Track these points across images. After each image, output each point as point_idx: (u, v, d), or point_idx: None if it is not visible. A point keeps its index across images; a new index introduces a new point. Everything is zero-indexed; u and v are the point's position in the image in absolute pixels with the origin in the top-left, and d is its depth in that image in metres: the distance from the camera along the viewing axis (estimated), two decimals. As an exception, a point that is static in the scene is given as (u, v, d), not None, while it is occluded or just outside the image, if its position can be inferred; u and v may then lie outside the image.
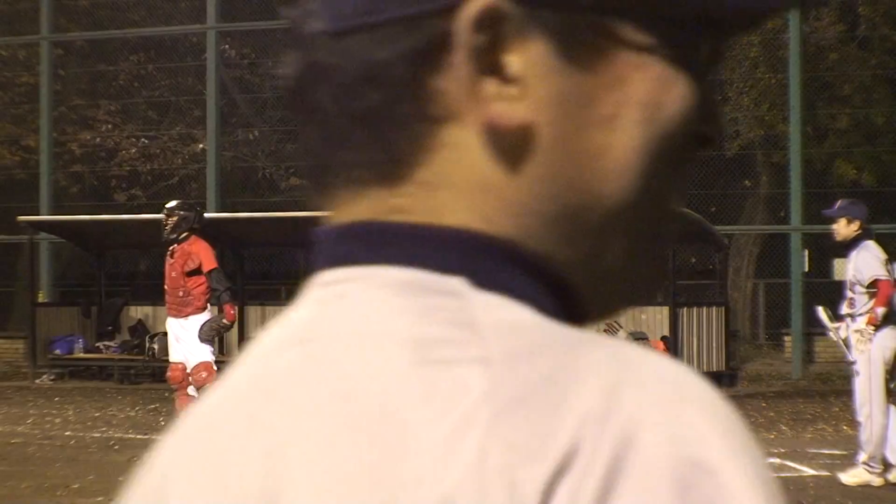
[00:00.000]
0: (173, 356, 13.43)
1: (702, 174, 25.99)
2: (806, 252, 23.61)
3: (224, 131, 27.75)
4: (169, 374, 13.52)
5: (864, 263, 11.06)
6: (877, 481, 11.07)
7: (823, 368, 23.58)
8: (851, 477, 11.19)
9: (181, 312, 13.16)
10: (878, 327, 11.07)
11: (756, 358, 25.41)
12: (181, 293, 13.11)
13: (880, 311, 10.99)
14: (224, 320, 13.21)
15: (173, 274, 13.14)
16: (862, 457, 11.20)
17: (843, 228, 11.26)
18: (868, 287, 11.03)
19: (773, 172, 27.50)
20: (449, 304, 0.84)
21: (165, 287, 13.33)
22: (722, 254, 23.10)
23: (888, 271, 11.09)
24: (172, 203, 13.54)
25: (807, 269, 23.54)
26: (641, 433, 0.77)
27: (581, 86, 0.88)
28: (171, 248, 13.31)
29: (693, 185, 25.63)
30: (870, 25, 26.00)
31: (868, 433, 11.13)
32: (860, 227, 11.21)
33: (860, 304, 11.14)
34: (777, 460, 12.66)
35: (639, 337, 21.55)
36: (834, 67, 26.11)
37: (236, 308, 13.84)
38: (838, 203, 11.43)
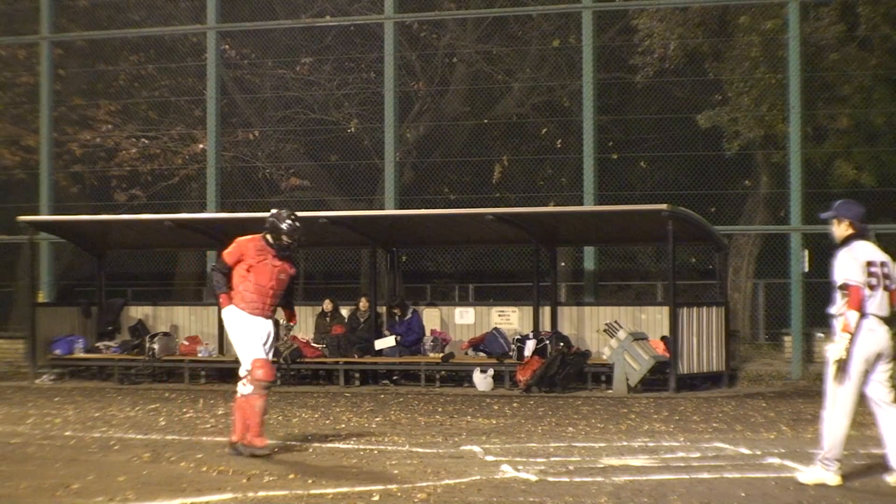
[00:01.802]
0: (263, 354, 13.33)
1: (702, 174, 25.97)
2: (806, 252, 23.60)
3: (224, 131, 27.74)
4: (266, 371, 13.21)
5: (838, 264, 11.09)
6: (833, 480, 11.03)
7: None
8: (809, 476, 11.14)
9: (274, 312, 13.48)
10: (853, 334, 11.01)
11: (756, 358, 25.39)
12: (280, 293, 13.45)
13: (852, 315, 10.91)
14: (291, 323, 13.89)
15: (282, 276, 13.40)
16: (819, 454, 11.16)
17: (834, 229, 11.33)
18: (840, 288, 11.03)
19: (773, 172, 27.48)
20: None
21: (268, 288, 13.33)
22: (722, 254, 23.08)
23: (871, 273, 10.99)
24: (292, 214, 13.58)
25: (806, 269, 23.53)
26: None
27: None
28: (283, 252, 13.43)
29: (693, 185, 25.61)
30: (870, 25, 25.98)
31: (827, 431, 11.10)
32: (850, 227, 11.22)
33: (837, 303, 11.14)
34: (777, 460, 12.65)
35: (639, 337, 21.53)
36: (834, 67, 26.09)
37: None
38: (834, 205, 11.49)
